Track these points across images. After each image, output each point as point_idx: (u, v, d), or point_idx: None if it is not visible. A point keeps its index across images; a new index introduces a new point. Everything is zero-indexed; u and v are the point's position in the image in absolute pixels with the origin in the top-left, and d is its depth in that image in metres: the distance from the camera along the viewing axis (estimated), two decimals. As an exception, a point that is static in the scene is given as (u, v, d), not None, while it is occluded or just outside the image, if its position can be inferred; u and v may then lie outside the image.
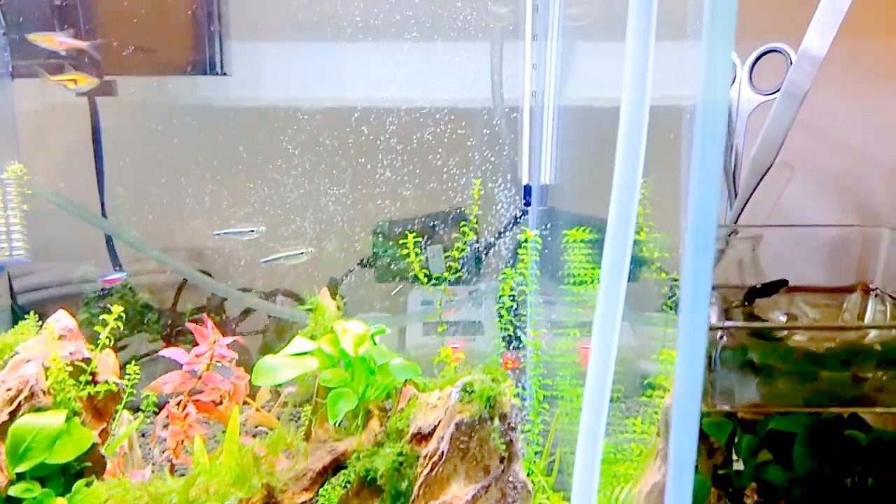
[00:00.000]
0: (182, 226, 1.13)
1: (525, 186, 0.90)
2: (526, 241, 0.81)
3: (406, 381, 0.68)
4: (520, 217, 1.10)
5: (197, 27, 0.92)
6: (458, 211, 1.25)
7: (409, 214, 1.20)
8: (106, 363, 0.67)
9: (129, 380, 0.73)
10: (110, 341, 0.67)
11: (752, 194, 0.99)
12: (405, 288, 1.21)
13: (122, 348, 1.07)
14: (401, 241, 1.20)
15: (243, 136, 1.11)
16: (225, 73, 0.97)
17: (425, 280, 0.98)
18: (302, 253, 0.99)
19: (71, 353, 0.65)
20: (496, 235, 1.26)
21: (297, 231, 1.12)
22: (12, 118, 0.83)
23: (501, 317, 0.94)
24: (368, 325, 0.74)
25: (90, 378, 0.65)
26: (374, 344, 0.75)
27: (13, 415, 0.62)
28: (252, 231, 0.98)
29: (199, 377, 0.74)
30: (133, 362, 1.06)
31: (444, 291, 0.91)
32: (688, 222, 0.38)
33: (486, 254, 1.25)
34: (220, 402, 0.72)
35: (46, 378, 0.63)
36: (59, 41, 0.86)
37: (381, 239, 1.21)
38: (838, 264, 0.98)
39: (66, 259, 1.10)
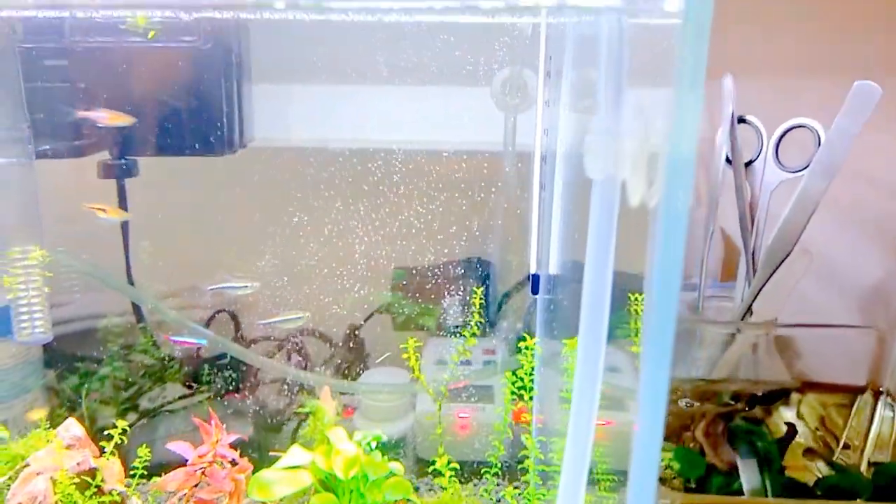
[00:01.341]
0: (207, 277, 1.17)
1: (533, 276, 0.90)
2: (527, 347, 0.81)
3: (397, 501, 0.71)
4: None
5: (218, 111, 0.94)
6: (478, 260, 1.26)
7: (428, 261, 1.21)
8: (111, 471, 0.71)
9: (135, 471, 0.77)
10: (116, 451, 0.70)
11: (766, 282, 0.98)
12: (423, 337, 1.23)
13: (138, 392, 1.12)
14: (417, 292, 1.22)
15: (263, 178, 1.12)
16: (244, 146, 0.99)
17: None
18: (300, 317, 1.02)
19: (78, 464, 0.69)
20: (514, 287, 1.26)
21: (315, 273, 1.13)
22: (36, 203, 0.86)
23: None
24: (364, 436, 0.77)
25: (95, 490, 0.69)
26: (371, 449, 0.78)
27: (21, 530, 0.66)
28: (246, 287, 1.00)
29: (203, 473, 0.77)
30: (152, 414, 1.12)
31: (462, 352, 0.91)
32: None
33: (500, 308, 1.26)
34: (224, 499, 0.75)
35: (55, 492, 0.67)
36: (105, 118, 0.89)
37: (399, 286, 1.22)
38: (855, 359, 0.97)
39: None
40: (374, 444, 0.76)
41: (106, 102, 0.91)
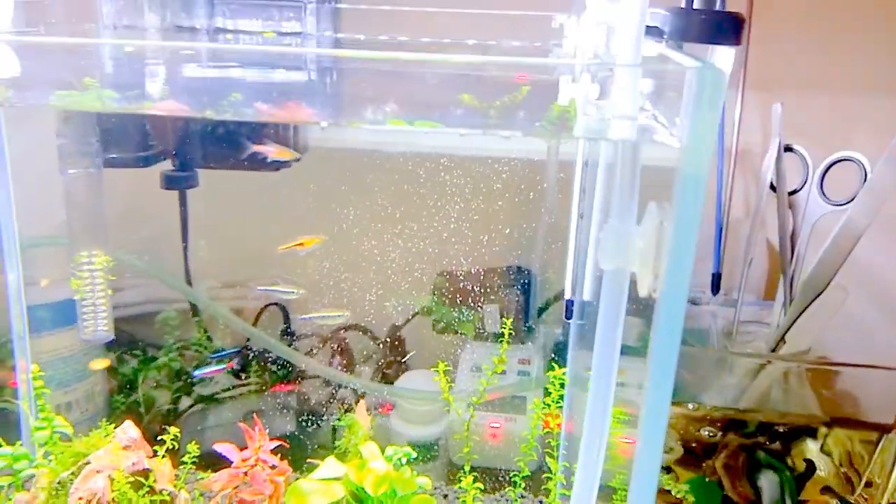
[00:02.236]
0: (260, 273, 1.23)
1: (567, 301, 0.93)
2: (554, 377, 0.85)
3: (422, 517, 0.75)
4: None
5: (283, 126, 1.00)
6: (518, 269, 1.28)
7: (471, 265, 1.24)
8: (163, 472, 0.77)
9: (184, 469, 0.83)
10: (167, 453, 0.77)
11: (799, 315, 0.98)
12: (460, 342, 1.27)
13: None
14: (458, 296, 1.26)
15: (313, 181, 1.17)
16: (299, 159, 1.04)
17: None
18: (340, 315, 1.07)
19: (133, 464, 0.75)
20: (552, 298, 1.29)
21: (363, 272, 1.18)
22: (102, 211, 0.92)
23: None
24: (395, 452, 0.81)
25: (148, 489, 0.75)
26: (402, 464, 0.82)
27: (82, 521, 0.73)
28: (293, 293, 1.06)
29: (246, 474, 0.83)
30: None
31: (499, 365, 0.94)
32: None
33: (539, 317, 1.29)
34: (264, 500, 0.81)
35: (112, 490, 0.74)
36: (272, 151, 0.98)
37: (441, 290, 1.26)
38: (891, 396, 0.97)
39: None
40: (403, 460, 0.81)
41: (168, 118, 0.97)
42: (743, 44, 1.13)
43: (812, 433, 0.91)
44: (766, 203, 1.09)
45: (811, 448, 0.94)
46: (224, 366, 1.12)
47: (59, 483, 0.77)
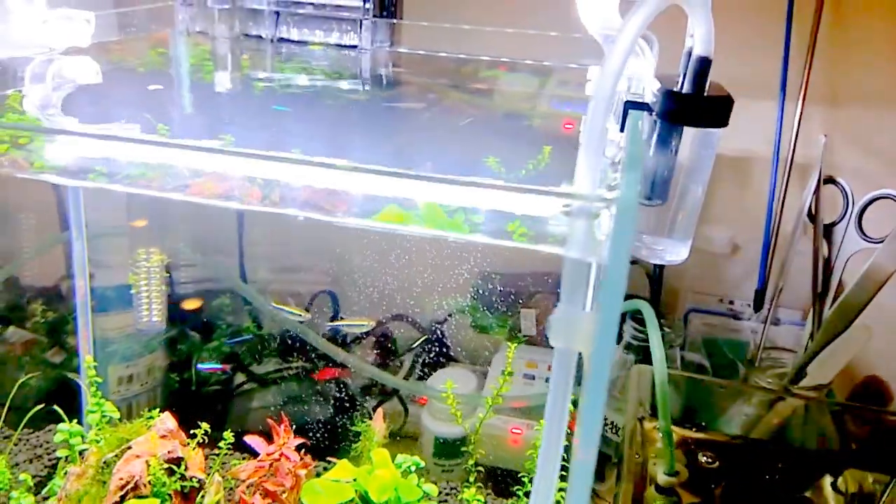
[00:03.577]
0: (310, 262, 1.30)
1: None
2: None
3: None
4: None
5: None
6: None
7: (512, 268, 1.28)
8: (195, 461, 0.85)
9: (217, 456, 0.92)
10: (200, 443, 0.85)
11: (821, 350, 0.98)
12: (498, 344, 1.31)
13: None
14: (497, 297, 1.30)
15: None
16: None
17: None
18: (364, 325, 1.13)
19: (169, 452, 0.84)
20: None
21: (413, 267, 1.23)
22: (160, 213, 1.01)
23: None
24: (405, 461, 0.87)
25: (180, 476, 0.84)
26: (410, 472, 0.88)
27: (122, 500, 0.82)
28: (363, 325, 1.13)
29: (271, 465, 0.90)
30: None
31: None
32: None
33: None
34: (285, 492, 0.89)
35: (148, 473, 0.82)
36: None
37: (481, 289, 1.30)
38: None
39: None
40: (412, 469, 0.87)
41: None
42: (806, 57, 1.11)
43: (825, 468, 0.92)
44: (804, 231, 1.08)
45: (826, 484, 0.95)
46: (221, 367, 1.20)
47: (105, 462, 0.86)
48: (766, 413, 1.01)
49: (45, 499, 0.95)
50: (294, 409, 1.24)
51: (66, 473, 0.88)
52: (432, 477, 1.02)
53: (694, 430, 0.97)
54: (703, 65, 0.55)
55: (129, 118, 0.66)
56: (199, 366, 1.20)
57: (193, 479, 0.84)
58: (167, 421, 0.86)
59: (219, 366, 1.20)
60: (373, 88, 0.96)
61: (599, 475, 1.09)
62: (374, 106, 0.89)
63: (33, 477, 0.98)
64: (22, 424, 1.01)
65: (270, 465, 0.91)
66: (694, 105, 0.56)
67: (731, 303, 1.32)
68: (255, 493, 0.88)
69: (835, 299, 1.03)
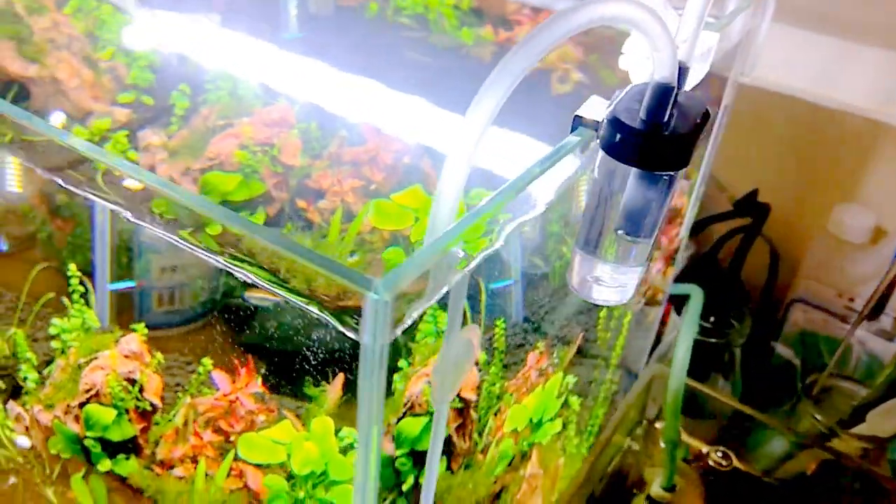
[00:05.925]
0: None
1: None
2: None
3: None
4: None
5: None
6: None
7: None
8: (151, 385, 0.88)
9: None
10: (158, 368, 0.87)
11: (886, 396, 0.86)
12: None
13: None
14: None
15: None
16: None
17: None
18: None
19: (129, 372, 0.87)
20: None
21: None
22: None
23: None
24: (349, 435, 0.85)
25: (138, 394, 0.86)
26: (351, 449, 0.86)
27: (86, 401, 0.86)
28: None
29: (231, 404, 0.91)
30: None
31: None
32: None
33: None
34: (233, 435, 0.90)
35: (107, 387, 0.86)
36: None
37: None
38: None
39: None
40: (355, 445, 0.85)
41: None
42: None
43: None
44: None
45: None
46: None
47: (78, 365, 0.91)
48: (799, 453, 0.88)
49: (45, 378, 1.01)
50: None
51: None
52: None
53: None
54: (663, 93, 0.45)
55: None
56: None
57: (146, 402, 0.87)
58: (132, 342, 0.89)
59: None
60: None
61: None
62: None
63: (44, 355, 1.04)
64: (39, 303, 1.07)
65: (229, 404, 0.92)
66: (644, 143, 0.46)
67: (851, 300, 1.13)
68: (206, 428, 0.90)
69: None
